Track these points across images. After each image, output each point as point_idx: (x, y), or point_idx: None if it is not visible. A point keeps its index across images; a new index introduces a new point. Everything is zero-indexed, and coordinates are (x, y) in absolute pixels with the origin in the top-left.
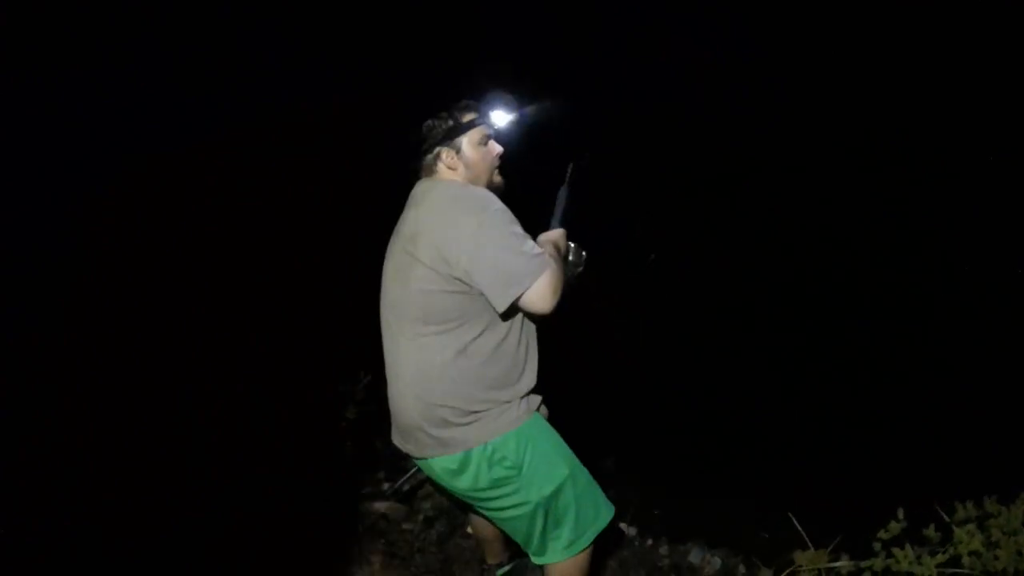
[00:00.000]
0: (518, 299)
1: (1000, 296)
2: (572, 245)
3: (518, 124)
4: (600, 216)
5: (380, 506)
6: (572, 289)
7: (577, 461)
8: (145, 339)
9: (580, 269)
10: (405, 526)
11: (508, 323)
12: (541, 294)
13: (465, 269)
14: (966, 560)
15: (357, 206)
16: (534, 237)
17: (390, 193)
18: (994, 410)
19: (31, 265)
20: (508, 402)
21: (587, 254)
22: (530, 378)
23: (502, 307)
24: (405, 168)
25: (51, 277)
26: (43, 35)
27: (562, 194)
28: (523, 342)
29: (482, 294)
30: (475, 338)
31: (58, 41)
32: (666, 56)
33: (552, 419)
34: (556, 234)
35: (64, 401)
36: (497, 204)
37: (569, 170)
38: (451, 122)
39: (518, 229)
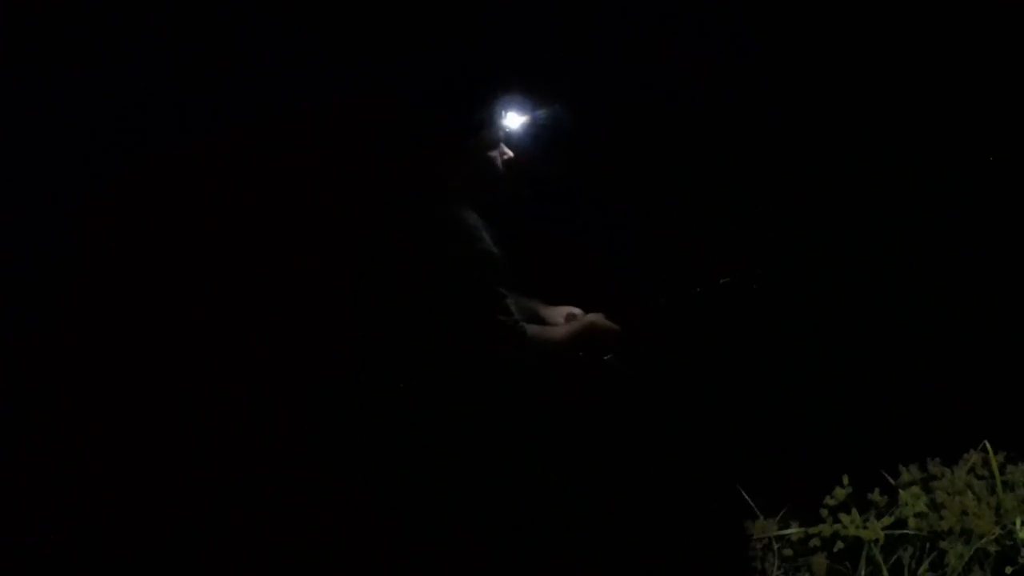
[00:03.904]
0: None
1: (969, 277)
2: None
3: (529, 129)
4: (599, 215)
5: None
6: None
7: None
8: (145, 339)
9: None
10: None
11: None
12: (487, 352)
13: (427, 302)
14: (912, 522)
15: (357, 206)
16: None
17: (390, 193)
18: (936, 374)
19: (31, 265)
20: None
21: (629, 368)
22: (489, 397)
23: (449, 351)
24: (403, 167)
25: (51, 277)
26: (43, 35)
27: (661, 303)
28: (488, 372)
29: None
30: (439, 366)
31: (58, 41)
32: (666, 56)
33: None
34: (604, 327)
35: (64, 401)
36: (484, 244)
37: (688, 293)
38: (458, 124)
39: (495, 279)
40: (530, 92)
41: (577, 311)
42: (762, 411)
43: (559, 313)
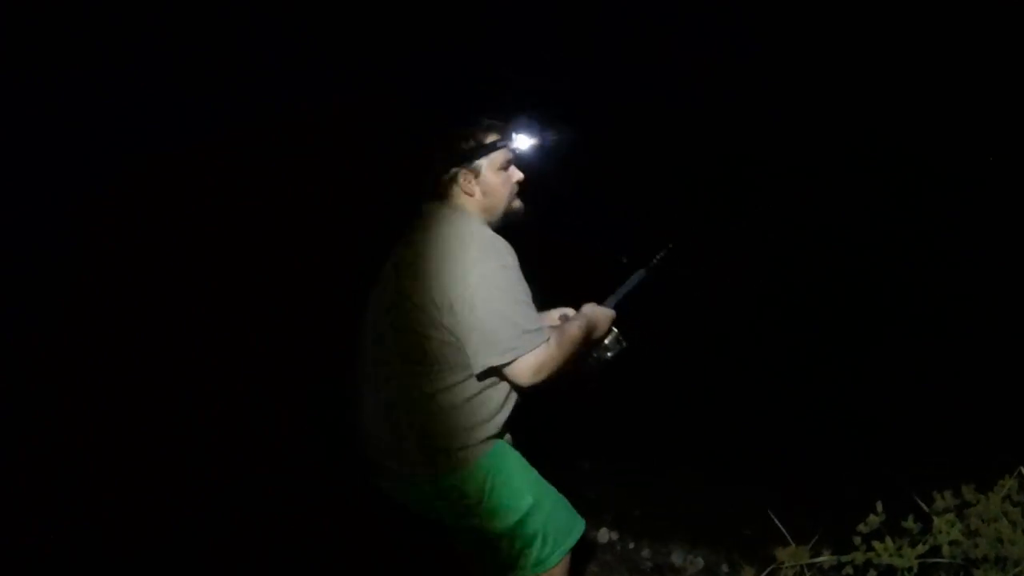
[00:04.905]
0: (496, 366)
1: (981, 293)
2: (615, 331)
3: (541, 149)
4: (600, 215)
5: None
6: (593, 371)
7: (543, 484)
8: (145, 339)
9: (610, 356)
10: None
11: (495, 374)
12: (520, 371)
13: (453, 319)
14: (946, 549)
15: (357, 206)
16: (575, 305)
17: (390, 193)
18: (969, 400)
19: (31, 265)
20: (473, 443)
21: (628, 345)
22: (502, 419)
23: (478, 369)
24: (404, 169)
25: (51, 277)
26: (43, 35)
27: (636, 277)
28: (509, 389)
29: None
30: (455, 384)
31: (58, 41)
32: (666, 56)
33: (526, 422)
34: (601, 313)
35: (64, 401)
36: (509, 260)
37: (657, 257)
38: (472, 142)
39: (522, 295)
40: (530, 90)
41: (570, 311)
42: (795, 434)
43: (552, 318)
